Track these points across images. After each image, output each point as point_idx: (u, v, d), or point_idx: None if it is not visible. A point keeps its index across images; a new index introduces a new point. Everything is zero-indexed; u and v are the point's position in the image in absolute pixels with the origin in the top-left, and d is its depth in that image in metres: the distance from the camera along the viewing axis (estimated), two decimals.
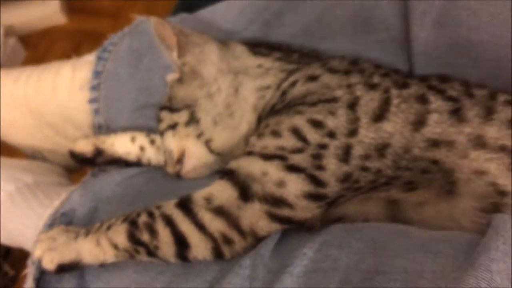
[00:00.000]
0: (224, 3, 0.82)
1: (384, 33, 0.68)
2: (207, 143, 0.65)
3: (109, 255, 0.59)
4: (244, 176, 0.55)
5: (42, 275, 0.65)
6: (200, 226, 0.54)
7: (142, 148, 0.77)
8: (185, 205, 0.55)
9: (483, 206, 0.53)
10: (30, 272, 0.65)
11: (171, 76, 0.69)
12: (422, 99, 0.58)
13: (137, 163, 0.78)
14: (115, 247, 0.58)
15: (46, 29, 1.92)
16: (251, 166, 0.55)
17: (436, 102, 0.58)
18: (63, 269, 0.61)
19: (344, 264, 0.47)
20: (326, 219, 0.55)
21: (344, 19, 0.70)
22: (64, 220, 0.69)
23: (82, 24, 1.91)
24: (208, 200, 0.55)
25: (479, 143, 0.54)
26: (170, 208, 0.56)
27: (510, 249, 0.42)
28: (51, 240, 0.62)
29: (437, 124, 0.56)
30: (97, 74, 0.85)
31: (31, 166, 0.91)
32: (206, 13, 0.83)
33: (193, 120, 0.65)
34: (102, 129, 0.85)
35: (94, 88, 0.85)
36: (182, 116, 0.66)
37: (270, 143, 0.57)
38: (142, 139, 0.77)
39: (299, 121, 0.57)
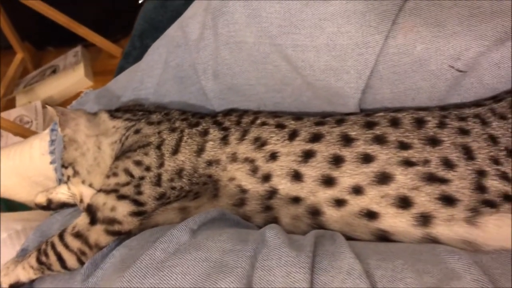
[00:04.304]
0: (122, 75, 1.10)
1: (193, 86, 0.92)
2: (91, 185, 0.93)
3: (31, 274, 0.87)
4: (94, 208, 0.82)
5: None
6: (67, 246, 0.81)
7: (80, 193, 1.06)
8: (61, 233, 0.84)
9: (234, 201, 0.75)
10: None
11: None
12: (205, 133, 0.82)
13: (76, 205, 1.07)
14: (32, 268, 0.87)
15: (77, 93, 2.29)
16: (98, 200, 0.82)
17: (213, 133, 0.81)
18: (14, 287, 0.91)
19: (123, 253, 0.72)
20: (145, 227, 0.81)
21: (171, 81, 0.94)
22: (22, 254, 0.99)
23: (104, 83, 2.26)
24: (73, 227, 0.82)
25: (233, 158, 0.77)
26: (55, 236, 0.84)
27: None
28: (7, 269, 0.93)
29: (211, 149, 0.80)
30: (52, 142, 1.16)
31: (24, 216, 1.24)
32: (112, 83, 1.11)
33: (75, 173, 0.94)
34: (62, 181, 1.15)
35: (51, 152, 1.16)
36: (69, 171, 0.95)
37: (111, 181, 0.84)
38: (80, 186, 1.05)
39: (128, 163, 0.84)
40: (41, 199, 1.09)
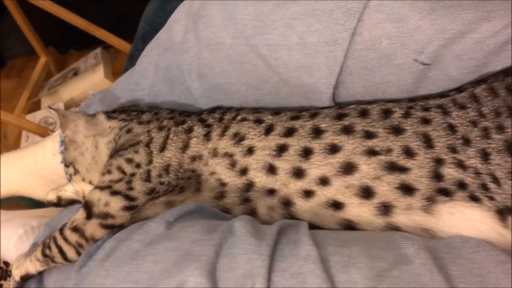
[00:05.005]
0: (122, 77, 1.16)
1: (181, 87, 0.96)
2: (90, 182, 0.99)
3: (38, 266, 0.94)
4: (90, 203, 0.87)
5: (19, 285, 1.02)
6: (66, 240, 0.87)
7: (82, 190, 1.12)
8: (62, 228, 0.90)
9: (214, 194, 0.80)
10: (11, 284, 1.03)
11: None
12: (190, 130, 0.87)
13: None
14: (38, 260, 0.93)
15: None
16: (93, 196, 0.88)
17: (197, 130, 0.86)
18: (25, 279, 0.98)
19: (111, 245, 0.78)
20: (136, 221, 0.86)
21: (162, 82, 0.99)
22: (33, 248, 1.06)
23: None
24: (72, 222, 0.88)
25: (214, 153, 0.82)
26: (57, 231, 0.90)
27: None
28: (18, 262, 1.00)
29: (195, 145, 0.84)
30: (62, 142, 1.23)
31: (41, 213, 1.31)
32: (114, 85, 1.17)
33: (76, 171, 1.00)
34: None
35: (62, 152, 1.23)
36: (71, 170, 1.01)
37: (105, 178, 0.89)
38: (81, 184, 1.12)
39: (120, 161, 0.89)
40: (52, 196, 1.15)
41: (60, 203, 1.15)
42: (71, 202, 1.13)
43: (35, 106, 2.42)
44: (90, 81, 2.33)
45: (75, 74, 2.39)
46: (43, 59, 2.44)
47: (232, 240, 0.65)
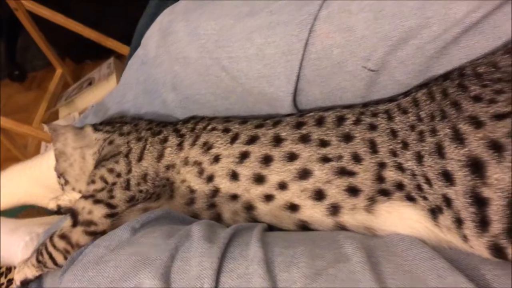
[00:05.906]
0: (114, 89, 1.22)
1: (159, 99, 1.02)
2: (80, 192, 1.05)
3: (34, 271, 1.00)
4: (75, 212, 0.93)
5: None
6: (55, 246, 0.94)
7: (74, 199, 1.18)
8: (51, 235, 0.96)
9: (185, 201, 0.85)
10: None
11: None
12: (165, 140, 0.92)
13: None
14: (34, 266, 1.00)
15: None
16: (79, 205, 0.94)
17: (171, 140, 0.91)
18: (25, 283, 1.05)
19: (89, 251, 0.83)
20: (116, 227, 0.91)
21: (143, 94, 1.05)
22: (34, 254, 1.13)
23: None
24: (60, 230, 0.94)
25: (185, 162, 0.87)
26: (47, 238, 0.97)
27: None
28: (19, 268, 1.07)
29: (169, 155, 0.90)
30: None
31: (48, 220, 1.39)
32: (107, 97, 1.23)
33: (66, 181, 1.06)
34: None
35: None
36: (62, 180, 1.07)
37: (90, 188, 0.95)
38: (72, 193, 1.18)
39: (103, 171, 0.95)
40: (53, 205, 1.22)
41: (61, 211, 1.22)
42: (70, 209, 1.20)
43: (54, 117, 2.51)
44: (104, 90, 2.41)
45: (90, 84, 2.48)
46: (59, 71, 2.54)
47: (188, 244, 0.69)
